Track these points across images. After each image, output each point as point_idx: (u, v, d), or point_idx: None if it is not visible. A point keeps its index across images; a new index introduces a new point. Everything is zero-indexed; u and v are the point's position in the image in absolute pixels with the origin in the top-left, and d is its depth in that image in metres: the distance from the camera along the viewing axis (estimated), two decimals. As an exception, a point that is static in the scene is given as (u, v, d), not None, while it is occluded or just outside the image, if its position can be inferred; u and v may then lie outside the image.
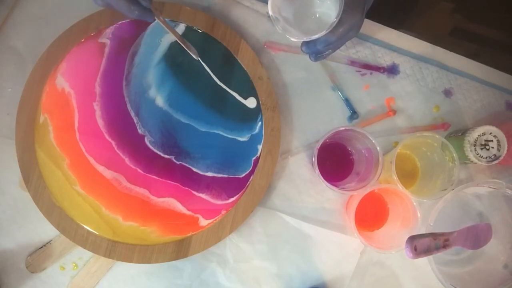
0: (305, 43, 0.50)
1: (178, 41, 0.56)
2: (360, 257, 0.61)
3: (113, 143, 0.59)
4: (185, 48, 0.56)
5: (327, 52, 0.51)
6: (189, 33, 0.60)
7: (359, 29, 0.49)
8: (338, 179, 0.60)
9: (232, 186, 0.59)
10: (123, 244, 0.58)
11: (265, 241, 0.61)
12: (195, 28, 0.60)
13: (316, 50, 0.50)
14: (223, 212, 0.59)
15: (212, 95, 0.60)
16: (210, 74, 0.60)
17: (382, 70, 0.63)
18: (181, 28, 0.60)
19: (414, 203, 0.54)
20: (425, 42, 0.64)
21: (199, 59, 0.60)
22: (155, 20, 0.51)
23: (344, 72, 0.63)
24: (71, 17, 0.59)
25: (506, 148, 0.56)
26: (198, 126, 0.60)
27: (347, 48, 0.63)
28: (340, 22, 0.46)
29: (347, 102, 0.63)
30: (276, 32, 0.52)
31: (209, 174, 0.59)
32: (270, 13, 0.47)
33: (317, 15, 0.48)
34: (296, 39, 0.48)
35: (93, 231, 0.58)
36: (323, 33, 0.46)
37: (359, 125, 0.62)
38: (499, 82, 0.64)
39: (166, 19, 0.60)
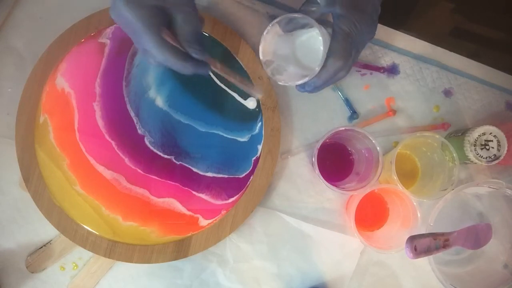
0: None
1: (242, 86, 0.50)
2: (360, 257, 0.61)
3: (113, 143, 0.59)
4: (247, 90, 0.51)
5: (321, 88, 0.52)
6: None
7: (348, 71, 0.50)
8: (338, 179, 0.60)
9: (232, 186, 0.59)
10: (123, 244, 0.58)
11: (265, 241, 0.61)
12: (195, 28, 0.60)
13: (308, 90, 0.52)
14: (223, 212, 0.59)
15: (212, 95, 0.60)
16: (210, 75, 0.60)
17: (382, 70, 0.63)
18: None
19: (414, 203, 0.54)
20: (425, 42, 0.64)
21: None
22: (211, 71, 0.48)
23: (344, 72, 0.63)
24: (71, 17, 0.59)
25: (506, 148, 0.56)
26: (198, 127, 0.60)
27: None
28: (325, 68, 0.48)
29: (347, 102, 0.63)
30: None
31: (209, 174, 0.59)
32: (261, 57, 0.50)
33: (316, 48, 0.50)
34: (282, 83, 0.50)
35: (93, 231, 0.58)
36: (306, 79, 0.48)
37: (359, 125, 0.62)
38: (499, 82, 0.64)
39: None
